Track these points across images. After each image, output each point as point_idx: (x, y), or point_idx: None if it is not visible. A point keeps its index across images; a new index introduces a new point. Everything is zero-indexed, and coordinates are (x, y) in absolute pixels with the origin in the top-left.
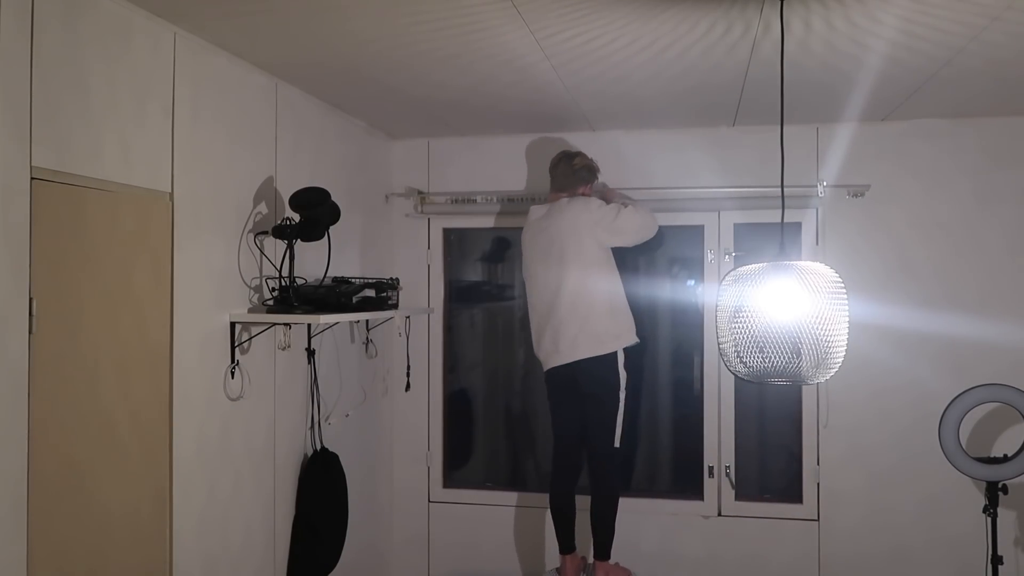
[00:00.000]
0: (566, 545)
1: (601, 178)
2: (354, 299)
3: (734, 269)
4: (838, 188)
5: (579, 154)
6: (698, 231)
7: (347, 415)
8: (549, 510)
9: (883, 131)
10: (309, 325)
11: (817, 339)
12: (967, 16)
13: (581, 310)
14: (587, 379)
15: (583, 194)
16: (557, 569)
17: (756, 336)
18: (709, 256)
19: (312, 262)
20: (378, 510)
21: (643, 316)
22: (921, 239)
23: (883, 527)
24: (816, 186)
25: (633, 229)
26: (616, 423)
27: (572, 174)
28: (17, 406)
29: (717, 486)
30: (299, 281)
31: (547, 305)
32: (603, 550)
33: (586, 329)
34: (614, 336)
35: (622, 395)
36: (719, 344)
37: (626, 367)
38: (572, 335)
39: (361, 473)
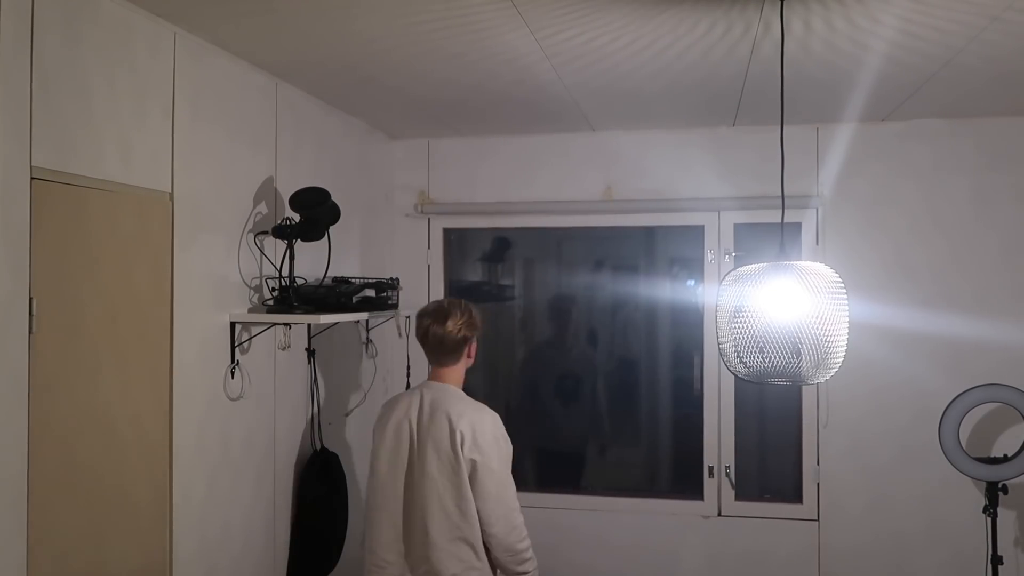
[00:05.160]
0: None
1: (602, 177)
2: (354, 299)
3: (734, 269)
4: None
5: (453, 305)
6: (698, 231)
7: (347, 415)
8: None
9: (883, 131)
10: (309, 325)
11: (817, 339)
12: (967, 16)
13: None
14: None
15: (465, 361)
16: None
17: (756, 336)
18: (709, 256)
19: (312, 262)
20: None
21: (643, 316)
22: (921, 239)
23: (883, 527)
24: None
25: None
26: None
27: (446, 339)
28: (17, 406)
29: (717, 486)
30: (299, 281)
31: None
32: None
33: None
34: None
35: None
36: (719, 344)
37: None
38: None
39: (361, 473)
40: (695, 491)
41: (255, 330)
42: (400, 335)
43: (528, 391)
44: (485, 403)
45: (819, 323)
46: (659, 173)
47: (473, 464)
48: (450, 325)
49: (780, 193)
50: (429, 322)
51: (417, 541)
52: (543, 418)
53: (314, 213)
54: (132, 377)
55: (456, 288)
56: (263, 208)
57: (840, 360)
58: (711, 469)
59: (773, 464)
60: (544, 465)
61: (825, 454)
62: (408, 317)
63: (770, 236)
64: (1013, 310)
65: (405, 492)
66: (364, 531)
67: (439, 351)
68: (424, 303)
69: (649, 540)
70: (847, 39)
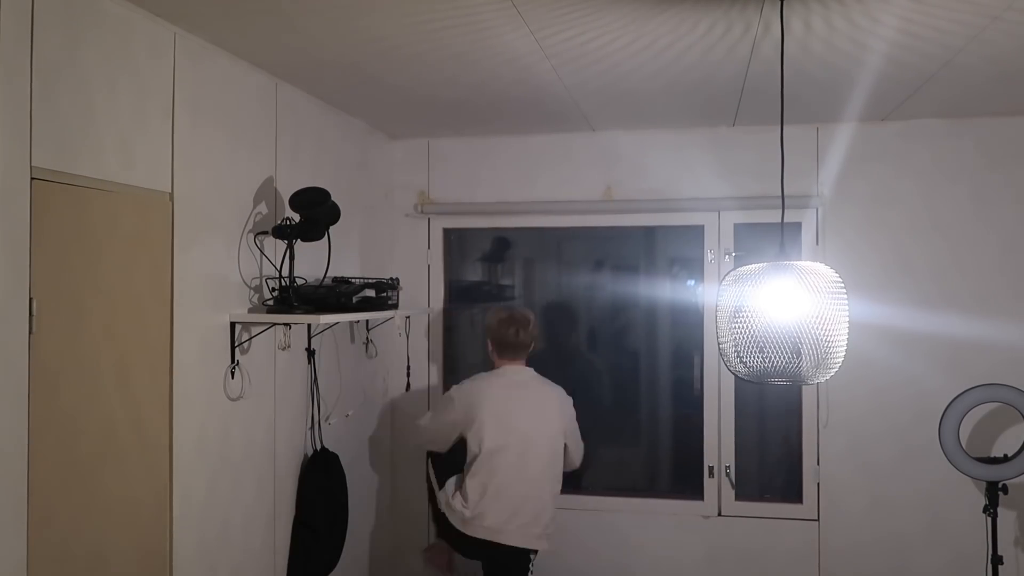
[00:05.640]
0: None
1: (602, 177)
2: (354, 299)
3: (734, 269)
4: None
5: (525, 315)
6: (698, 231)
7: (347, 415)
8: None
9: (883, 131)
10: (309, 325)
11: (817, 339)
12: (967, 16)
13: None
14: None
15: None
16: None
17: (756, 336)
18: (709, 256)
19: (312, 262)
20: (378, 510)
21: (643, 316)
22: (921, 239)
23: (883, 527)
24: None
25: (577, 460)
26: None
27: (530, 340)
28: (17, 406)
29: (717, 486)
30: (299, 281)
31: (515, 468)
32: None
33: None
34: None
35: None
36: (719, 344)
37: None
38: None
39: (361, 473)
40: (695, 491)
41: (255, 330)
42: (400, 335)
43: None
44: None
45: (819, 323)
46: (659, 173)
47: (571, 417)
48: (532, 328)
49: (780, 193)
50: (517, 327)
51: (528, 494)
52: None
53: (314, 213)
54: (132, 377)
55: (456, 288)
56: (263, 208)
57: (840, 360)
58: (711, 469)
59: (773, 464)
60: None
61: (825, 454)
62: (408, 317)
63: (770, 236)
64: (1013, 310)
65: (514, 452)
66: (465, 496)
67: (518, 348)
68: (423, 303)
69: (649, 540)
70: (847, 39)
